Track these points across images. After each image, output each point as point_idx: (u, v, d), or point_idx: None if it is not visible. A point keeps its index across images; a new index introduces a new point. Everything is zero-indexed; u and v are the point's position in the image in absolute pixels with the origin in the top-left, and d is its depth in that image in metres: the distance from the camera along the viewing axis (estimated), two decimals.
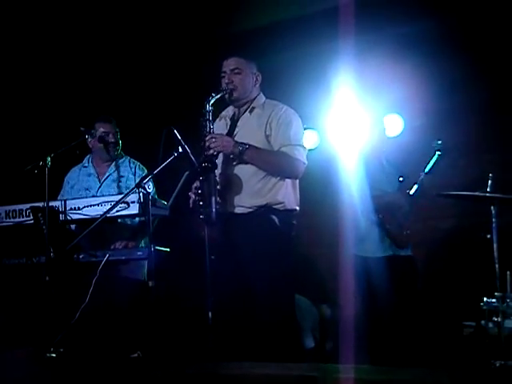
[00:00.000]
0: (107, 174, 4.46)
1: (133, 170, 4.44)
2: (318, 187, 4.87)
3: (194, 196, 3.72)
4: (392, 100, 5.22)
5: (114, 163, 4.48)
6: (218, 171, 3.72)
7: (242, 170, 3.75)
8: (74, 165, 4.63)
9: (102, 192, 4.39)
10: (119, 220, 4.17)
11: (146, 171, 4.38)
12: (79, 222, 4.02)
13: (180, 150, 3.76)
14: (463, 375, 2.61)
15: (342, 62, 4.99)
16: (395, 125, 5.13)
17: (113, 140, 4.43)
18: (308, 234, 5.31)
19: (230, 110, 3.97)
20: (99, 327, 4.03)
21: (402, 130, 5.19)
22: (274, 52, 5.16)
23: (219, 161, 3.76)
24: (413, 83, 5.04)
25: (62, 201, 4.04)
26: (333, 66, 5.04)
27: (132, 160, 4.51)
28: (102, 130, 4.42)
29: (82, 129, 4.32)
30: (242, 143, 3.69)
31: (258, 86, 3.92)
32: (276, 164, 3.74)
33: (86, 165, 4.55)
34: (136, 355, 3.46)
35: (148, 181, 3.79)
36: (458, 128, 5.17)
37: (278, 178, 3.75)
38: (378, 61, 5.05)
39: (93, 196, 4.28)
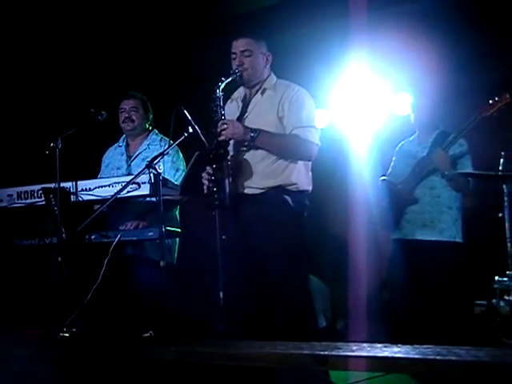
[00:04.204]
0: (137, 153, 4.45)
1: (162, 148, 4.31)
2: (328, 167, 4.85)
3: (207, 182, 3.70)
4: (403, 78, 5.18)
5: (144, 142, 4.47)
6: (229, 154, 3.71)
7: (255, 153, 3.73)
8: (105, 144, 4.67)
9: (130, 171, 4.39)
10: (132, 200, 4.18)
11: (176, 150, 4.32)
12: (90, 203, 4.03)
13: (190, 130, 3.75)
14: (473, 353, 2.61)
15: (352, 39, 4.94)
16: (406, 103, 5.09)
17: (126, 116, 4.42)
18: (319, 214, 5.30)
19: (241, 92, 3.95)
20: (112, 307, 4.07)
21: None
22: (283, 30, 5.13)
23: (230, 143, 3.75)
24: (424, 61, 4.99)
25: (73, 182, 4.05)
26: (343, 43, 5.00)
27: (164, 138, 4.45)
28: (121, 107, 4.44)
29: (91, 110, 4.31)
30: (253, 129, 3.67)
31: (268, 66, 3.88)
32: (288, 147, 3.72)
33: (121, 144, 4.57)
34: (148, 335, 3.48)
35: (159, 161, 3.79)
36: (471, 107, 5.12)
37: (291, 159, 3.74)
38: (389, 38, 5.00)
39: (123, 175, 4.27)
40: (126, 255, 4.05)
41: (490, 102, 4.04)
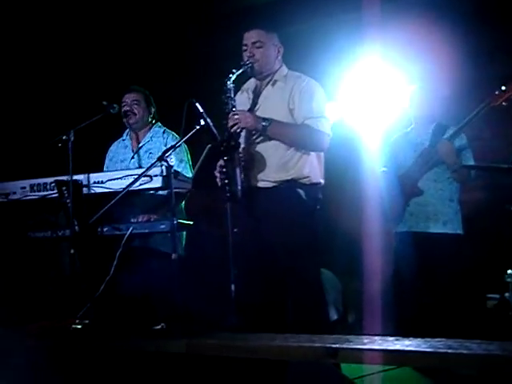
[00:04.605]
0: (140, 145, 4.48)
1: (165, 140, 4.41)
2: (340, 160, 4.84)
3: (219, 175, 3.71)
4: (416, 70, 5.15)
5: (147, 134, 4.50)
6: (241, 146, 3.70)
7: (267, 145, 3.73)
8: (110, 138, 4.69)
9: (134, 163, 4.42)
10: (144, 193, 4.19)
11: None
12: (103, 196, 4.04)
13: (202, 122, 3.75)
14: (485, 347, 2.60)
15: (365, 31, 4.92)
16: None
17: (127, 109, 4.43)
18: (331, 207, 5.29)
19: (252, 83, 3.94)
20: (123, 299, 4.08)
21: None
22: (295, 22, 5.12)
23: (242, 136, 3.75)
24: (438, 53, 4.97)
25: (85, 174, 4.06)
26: (356, 36, 4.97)
27: (167, 131, 4.49)
28: (123, 100, 4.45)
29: (104, 103, 4.33)
30: (265, 119, 3.66)
31: (279, 58, 3.87)
32: (300, 138, 3.71)
33: (124, 138, 4.60)
34: (159, 327, 3.49)
35: (170, 154, 3.80)
36: (484, 98, 5.09)
37: (303, 151, 3.72)
38: (402, 31, 4.97)
39: (126, 168, 4.31)
40: (137, 247, 4.05)
41: (497, 92, 4.00)
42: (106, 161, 4.64)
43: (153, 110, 4.55)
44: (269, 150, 3.72)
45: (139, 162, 4.42)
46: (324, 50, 5.26)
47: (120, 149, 4.59)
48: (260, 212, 3.72)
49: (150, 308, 3.99)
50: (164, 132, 4.49)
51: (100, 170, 4.40)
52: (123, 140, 4.61)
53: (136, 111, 4.45)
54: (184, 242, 4.29)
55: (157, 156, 4.30)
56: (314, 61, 4.95)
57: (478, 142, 4.69)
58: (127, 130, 4.60)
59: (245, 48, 3.82)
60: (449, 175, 4.36)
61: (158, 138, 4.46)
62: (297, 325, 3.59)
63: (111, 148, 4.67)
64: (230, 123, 3.66)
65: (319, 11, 5.14)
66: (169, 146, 4.32)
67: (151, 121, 4.54)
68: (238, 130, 3.68)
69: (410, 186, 4.40)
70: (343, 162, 4.85)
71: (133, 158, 4.47)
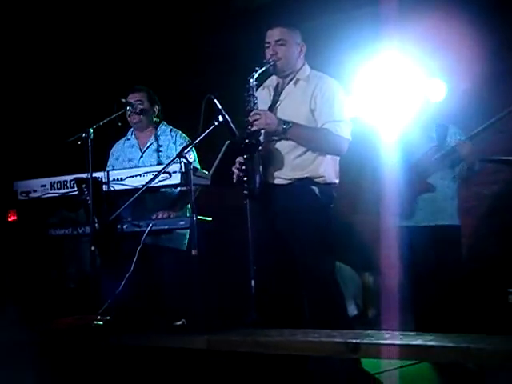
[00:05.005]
0: (148, 144, 4.51)
1: (174, 138, 4.47)
2: (357, 155, 4.82)
3: (237, 171, 3.71)
4: (436, 64, 5.11)
5: (154, 133, 4.52)
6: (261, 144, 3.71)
7: (283, 144, 3.72)
8: (116, 137, 4.68)
9: (143, 162, 4.45)
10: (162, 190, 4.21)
11: (187, 140, 4.40)
12: (122, 193, 4.06)
13: (220, 118, 3.74)
14: (508, 342, 2.58)
15: (383, 25, 4.89)
16: (438, 90, 5.02)
17: (136, 110, 4.43)
18: (349, 202, 5.28)
19: (273, 80, 3.92)
20: (144, 296, 4.10)
21: (446, 95, 5.08)
22: (314, 18, 5.10)
23: (261, 133, 3.74)
24: (458, 46, 4.93)
25: (105, 172, 4.08)
26: (374, 29, 4.94)
27: (174, 129, 4.54)
28: (129, 100, 4.46)
29: (123, 100, 4.35)
30: (285, 121, 3.66)
31: (302, 56, 3.85)
32: (318, 141, 3.70)
33: (129, 137, 4.62)
34: (180, 323, 3.51)
35: (189, 150, 3.80)
36: (505, 92, 5.05)
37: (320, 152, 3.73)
38: (421, 24, 4.94)
39: (135, 167, 4.33)
40: (150, 245, 4.06)
41: None
42: (111, 160, 4.63)
43: (157, 108, 4.56)
44: (286, 148, 3.72)
45: (149, 160, 4.44)
46: (340, 44, 5.24)
47: (126, 148, 4.60)
48: (275, 208, 3.73)
49: (170, 304, 4.01)
50: (171, 130, 4.53)
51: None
52: (128, 139, 4.62)
53: (139, 111, 4.46)
54: (187, 238, 4.28)
55: (167, 154, 4.37)
56: (334, 57, 4.93)
57: (500, 135, 4.67)
58: (131, 129, 4.61)
59: (267, 46, 3.80)
60: (454, 174, 4.47)
61: (166, 137, 4.49)
62: (314, 321, 3.59)
63: (116, 147, 4.67)
64: (251, 122, 3.65)
65: (338, 6, 5.12)
66: (178, 143, 4.39)
67: (156, 120, 4.56)
68: (259, 130, 3.68)
69: (420, 183, 4.43)
70: (360, 158, 4.82)
71: (142, 156, 4.49)
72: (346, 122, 3.76)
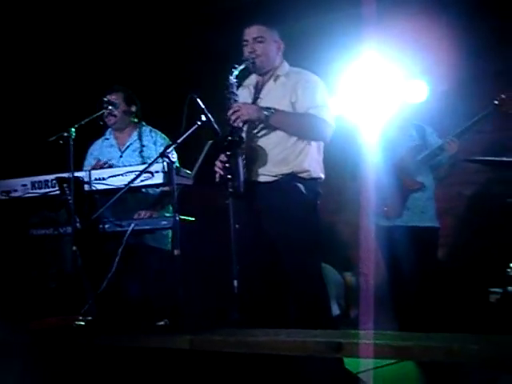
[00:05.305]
0: (127, 144, 4.49)
1: (153, 139, 4.46)
2: (339, 154, 4.84)
3: (220, 170, 3.69)
4: (416, 65, 5.14)
5: (133, 133, 4.51)
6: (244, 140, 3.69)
7: (267, 140, 3.72)
8: (96, 136, 4.65)
9: (123, 162, 4.43)
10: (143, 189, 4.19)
11: (167, 140, 4.40)
12: (104, 192, 4.04)
13: (203, 118, 3.74)
14: (489, 341, 2.61)
15: (364, 27, 4.91)
16: (420, 91, 5.06)
17: (111, 111, 4.41)
18: (330, 201, 5.29)
19: (253, 79, 3.93)
20: (126, 296, 4.08)
21: (427, 96, 5.12)
22: (295, 18, 5.11)
23: (244, 129, 3.73)
24: (438, 48, 4.97)
25: (87, 171, 4.06)
26: (356, 31, 4.97)
27: (153, 129, 4.53)
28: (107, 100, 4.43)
29: (105, 99, 4.33)
30: (267, 108, 3.65)
31: (280, 53, 3.87)
32: (304, 126, 3.69)
33: (108, 137, 4.60)
34: (163, 323, 3.49)
35: (172, 150, 3.79)
36: (484, 93, 5.09)
37: (304, 145, 3.71)
38: (402, 25, 4.97)
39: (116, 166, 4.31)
40: (133, 244, 4.04)
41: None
42: (90, 159, 4.59)
43: (135, 108, 4.53)
44: (270, 144, 3.71)
45: (128, 160, 4.41)
46: (323, 45, 5.26)
47: (105, 148, 4.57)
48: (260, 206, 3.71)
49: (153, 304, 3.99)
50: (151, 131, 4.52)
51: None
52: (107, 139, 4.60)
53: (115, 113, 4.44)
54: (170, 238, 4.28)
55: (146, 154, 4.35)
56: (315, 57, 4.94)
57: (479, 136, 4.71)
58: (109, 129, 4.59)
59: (245, 43, 3.81)
60: (434, 175, 4.54)
61: (146, 137, 4.48)
62: (299, 320, 3.59)
63: (94, 147, 4.64)
64: (232, 116, 3.64)
65: (320, 7, 5.13)
66: (158, 144, 4.38)
67: (134, 120, 4.53)
68: (241, 124, 3.66)
69: (410, 182, 4.45)
70: (342, 156, 4.84)
71: (121, 156, 4.47)
72: (329, 108, 3.75)
